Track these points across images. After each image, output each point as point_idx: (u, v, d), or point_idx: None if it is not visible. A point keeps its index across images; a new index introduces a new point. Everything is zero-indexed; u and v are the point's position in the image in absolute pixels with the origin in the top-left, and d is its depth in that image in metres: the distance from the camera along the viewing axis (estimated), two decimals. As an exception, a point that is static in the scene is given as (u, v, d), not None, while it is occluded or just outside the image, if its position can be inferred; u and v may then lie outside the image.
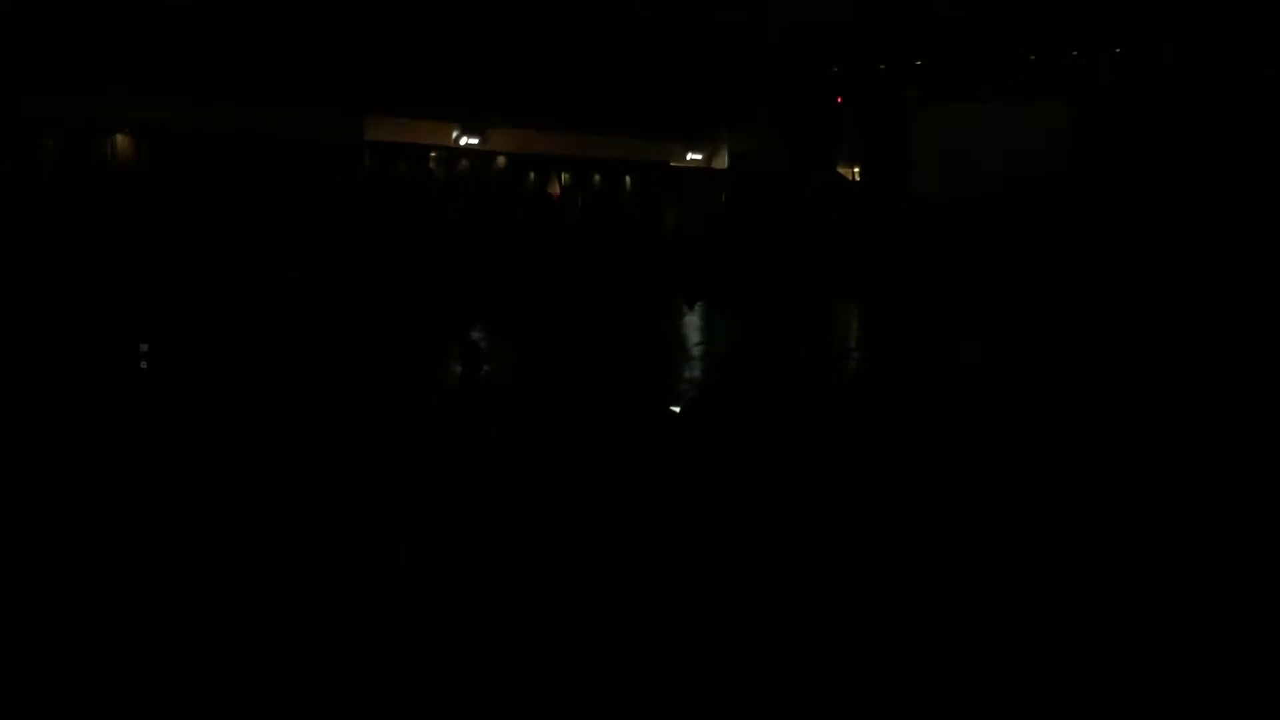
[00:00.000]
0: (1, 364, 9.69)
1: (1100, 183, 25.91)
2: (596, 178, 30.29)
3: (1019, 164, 27.28)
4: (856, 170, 33.96)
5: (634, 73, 27.24)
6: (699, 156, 32.80)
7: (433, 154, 27.07)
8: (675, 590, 5.45)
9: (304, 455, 7.24)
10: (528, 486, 6.78)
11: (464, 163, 27.66)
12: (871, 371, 13.13)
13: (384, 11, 22.79)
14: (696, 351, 14.61)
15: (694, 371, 13.03)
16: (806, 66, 30.83)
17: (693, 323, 18.12)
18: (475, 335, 15.01)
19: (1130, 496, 6.56)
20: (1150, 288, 16.52)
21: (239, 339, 10.94)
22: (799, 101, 31.08)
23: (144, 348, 10.33)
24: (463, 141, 27.42)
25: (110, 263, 13.77)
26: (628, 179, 31.10)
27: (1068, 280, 17.88)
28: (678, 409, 10.26)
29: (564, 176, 29.30)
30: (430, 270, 17.18)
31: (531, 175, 28.68)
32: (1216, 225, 20.30)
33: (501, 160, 27.99)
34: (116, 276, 13.28)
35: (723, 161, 33.10)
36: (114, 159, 19.32)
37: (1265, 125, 24.11)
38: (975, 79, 30.05)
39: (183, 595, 5.49)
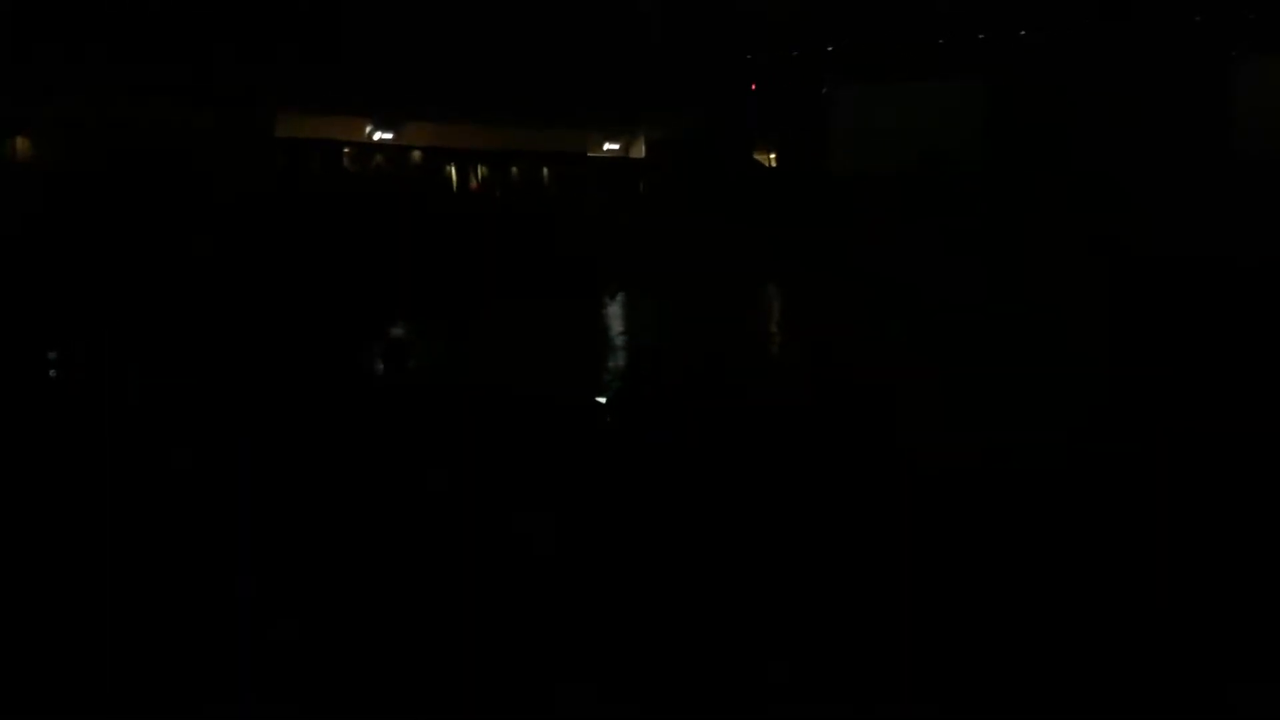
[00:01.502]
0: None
1: (1014, 163, 26.39)
2: (514, 170, 30.25)
3: (934, 145, 27.63)
4: (774, 156, 34.33)
5: (549, 63, 27.23)
6: (616, 146, 32.91)
7: (346, 150, 26.76)
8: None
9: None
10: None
11: (379, 158, 27.41)
12: (779, 365, 13.46)
13: (295, 5, 22.50)
14: (620, 344, 14.74)
15: (618, 363, 13.18)
16: (722, 54, 31.06)
17: (615, 313, 18.23)
18: (399, 333, 14.97)
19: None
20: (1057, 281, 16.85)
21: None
22: (715, 89, 31.32)
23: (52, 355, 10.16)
24: (376, 136, 27.15)
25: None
26: (545, 170, 31.12)
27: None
28: (603, 400, 10.47)
29: (481, 170, 29.21)
30: (354, 271, 17.04)
31: (449, 169, 28.55)
32: (1129, 215, 20.74)
33: (417, 155, 27.80)
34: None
35: (640, 151, 33.26)
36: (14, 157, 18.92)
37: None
38: (889, 61, 30.40)
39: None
